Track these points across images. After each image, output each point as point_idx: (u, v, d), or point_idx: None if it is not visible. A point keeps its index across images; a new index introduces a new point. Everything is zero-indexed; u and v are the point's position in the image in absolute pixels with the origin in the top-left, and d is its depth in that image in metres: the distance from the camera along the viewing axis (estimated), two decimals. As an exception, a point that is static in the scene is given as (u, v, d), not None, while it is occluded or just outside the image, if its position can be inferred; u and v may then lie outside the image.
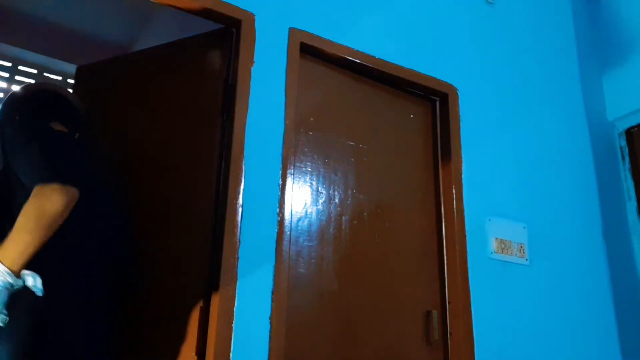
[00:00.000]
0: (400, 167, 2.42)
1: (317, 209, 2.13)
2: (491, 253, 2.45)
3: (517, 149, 2.74)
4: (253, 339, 1.79)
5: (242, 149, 1.95)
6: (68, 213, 1.37)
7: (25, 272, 1.32)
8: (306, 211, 2.10)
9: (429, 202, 2.45)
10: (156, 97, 2.08)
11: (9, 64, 3.92)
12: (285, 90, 2.13)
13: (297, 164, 2.13)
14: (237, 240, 1.85)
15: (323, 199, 2.16)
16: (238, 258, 1.83)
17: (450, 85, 2.61)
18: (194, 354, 1.73)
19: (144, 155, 2.01)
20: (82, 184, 1.42)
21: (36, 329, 1.40)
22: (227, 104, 2.02)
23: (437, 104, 2.60)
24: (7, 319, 1.27)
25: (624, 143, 3.02)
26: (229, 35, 2.11)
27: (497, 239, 2.48)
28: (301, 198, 2.10)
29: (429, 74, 2.56)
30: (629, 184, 2.94)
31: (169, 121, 2.04)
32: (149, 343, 1.81)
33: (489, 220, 2.50)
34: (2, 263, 1.28)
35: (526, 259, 2.54)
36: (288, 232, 1.98)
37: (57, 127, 1.78)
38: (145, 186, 1.97)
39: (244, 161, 1.95)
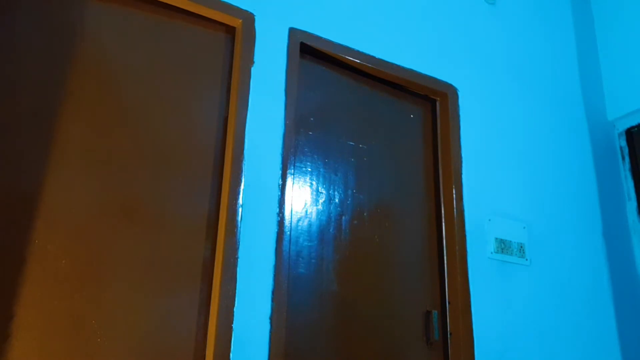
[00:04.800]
0: (400, 167, 2.42)
1: (317, 209, 2.13)
2: (491, 253, 2.45)
3: (516, 149, 2.74)
4: (253, 339, 1.79)
5: (242, 149, 1.96)
6: None
7: None
8: (306, 211, 2.10)
9: (429, 202, 2.45)
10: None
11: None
12: (285, 91, 2.13)
13: (297, 164, 2.14)
14: (237, 240, 1.85)
15: (323, 199, 2.16)
16: (238, 258, 1.84)
17: (450, 85, 2.61)
18: (194, 353, 1.73)
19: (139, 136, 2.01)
20: None
21: None
22: (228, 104, 2.02)
23: (437, 104, 2.61)
24: None
25: (624, 143, 3.03)
26: (229, 35, 2.11)
27: (497, 239, 2.48)
28: (301, 198, 2.11)
29: (428, 74, 2.56)
30: (629, 184, 2.94)
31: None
32: (150, 343, 1.80)
33: (489, 220, 2.50)
34: None
35: (526, 259, 2.54)
36: (288, 232, 1.98)
37: None
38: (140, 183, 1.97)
39: (244, 161, 1.95)
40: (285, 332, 1.86)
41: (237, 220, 1.86)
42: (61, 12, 1.86)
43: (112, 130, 1.83)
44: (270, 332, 1.82)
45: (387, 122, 2.46)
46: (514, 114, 2.81)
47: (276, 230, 1.95)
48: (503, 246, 2.49)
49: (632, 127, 3.01)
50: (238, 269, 1.83)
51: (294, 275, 1.99)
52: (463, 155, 2.53)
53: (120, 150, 1.82)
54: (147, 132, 1.88)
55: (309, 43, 2.25)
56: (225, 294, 1.77)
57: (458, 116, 2.58)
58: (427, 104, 2.63)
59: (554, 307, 2.54)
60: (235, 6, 2.11)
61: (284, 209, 1.98)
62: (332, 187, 2.20)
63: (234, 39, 2.14)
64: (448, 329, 2.25)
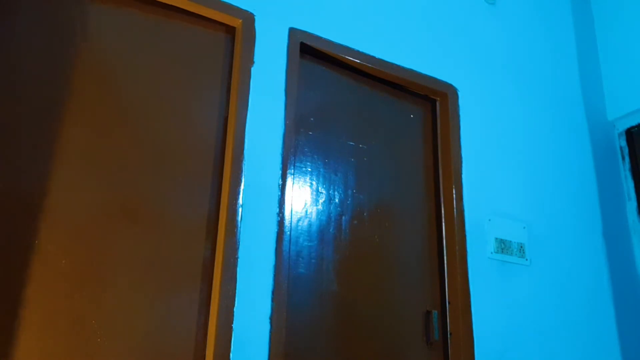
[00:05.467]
0: (400, 167, 2.42)
1: (317, 209, 2.13)
2: (491, 253, 2.45)
3: (516, 148, 2.74)
4: (253, 339, 1.79)
5: (242, 149, 1.96)
6: None
7: None
8: (306, 211, 2.10)
9: (429, 202, 2.45)
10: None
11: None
12: (285, 91, 2.13)
13: (297, 164, 2.14)
14: (237, 240, 1.85)
15: (323, 199, 2.16)
16: (238, 258, 1.84)
17: (450, 85, 2.61)
18: (194, 353, 1.73)
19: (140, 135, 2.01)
20: None
21: None
22: (229, 104, 2.02)
23: (437, 104, 2.61)
24: None
25: (624, 143, 3.03)
26: (230, 34, 2.11)
27: (497, 239, 2.48)
28: (301, 198, 2.11)
29: (428, 74, 2.56)
30: (629, 184, 2.94)
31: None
32: (150, 343, 1.80)
33: (489, 220, 2.50)
34: None
35: (526, 259, 2.54)
36: (288, 232, 1.98)
37: None
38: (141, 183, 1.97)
39: (244, 161, 1.95)
40: (285, 332, 1.86)
41: (237, 220, 1.86)
42: (61, 13, 1.86)
43: (112, 130, 1.83)
44: (270, 332, 1.82)
45: (387, 122, 2.46)
46: (514, 114, 2.81)
47: (276, 230, 1.95)
48: (503, 246, 2.49)
49: (632, 127, 3.00)
50: (238, 269, 1.83)
51: (294, 275, 1.99)
52: (463, 155, 2.53)
53: (120, 150, 1.82)
54: (147, 132, 1.88)
55: (309, 43, 2.25)
56: (225, 294, 1.77)
57: (458, 116, 2.58)
58: (427, 104, 2.63)
59: (554, 307, 2.54)
60: (235, 6, 2.11)
61: (284, 209, 1.98)
62: (332, 187, 2.20)
63: (234, 39, 2.14)
64: (448, 329, 2.25)
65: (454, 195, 2.41)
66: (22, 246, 1.59)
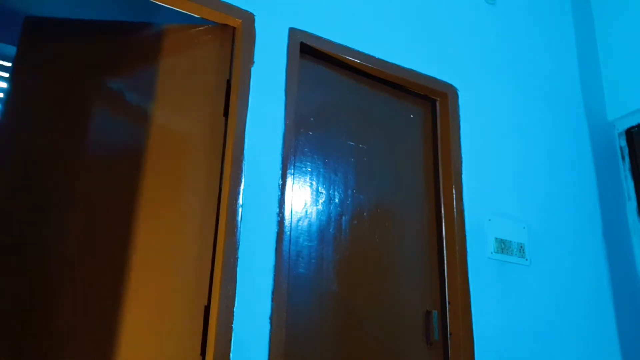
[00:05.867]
0: (400, 167, 2.42)
1: (317, 209, 2.13)
2: (491, 253, 2.45)
3: (517, 149, 2.74)
4: (253, 339, 1.79)
5: (242, 149, 1.96)
6: None
7: None
8: (306, 211, 2.10)
9: (429, 202, 2.45)
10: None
11: (9, 64, 3.92)
12: (285, 90, 2.13)
13: (297, 164, 2.13)
14: (237, 240, 1.85)
15: (323, 199, 2.16)
16: (238, 258, 1.84)
17: (450, 85, 2.61)
18: (195, 353, 1.73)
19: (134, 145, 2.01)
20: None
21: None
22: (228, 104, 2.02)
23: (437, 104, 2.61)
24: None
25: (624, 143, 3.03)
26: (229, 34, 2.11)
27: (497, 239, 2.48)
28: (301, 198, 2.11)
29: (428, 74, 2.56)
30: (629, 184, 2.94)
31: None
32: (152, 344, 1.80)
33: (489, 220, 2.50)
34: None
35: (526, 259, 2.54)
36: (288, 232, 1.98)
37: None
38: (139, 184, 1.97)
39: (244, 161, 1.95)
40: (285, 332, 1.86)
41: (237, 220, 1.86)
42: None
43: (115, 129, 1.83)
44: (270, 332, 1.82)
45: (387, 122, 2.46)
46: (514, 114, 2.81)
47: (276, 230, 1.95)
48: (503, 246, 2.49)
49: (632, 127, 3.01)
50: (238, 269, 1.83)
51: (294, 275, 1.98)
52: (463, 155, 2.53)
53: (122, 149, 1.82)
54: (147, 132, 1.88)
55: (309, 43, 2.25)
56: (225, 294, 1.77)
57: (458, 116, 2.58)
58: (427, 104, 2.63)
59: (554, 307, 2.54)
60: (235, 6, 2.11)
61: (284, 209, 1.98)
62: (332, 187, 2.20)
63: (234, 39, 2.14)
64: (448, 329, 2.25)
65: (454, 195, 2.41)
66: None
